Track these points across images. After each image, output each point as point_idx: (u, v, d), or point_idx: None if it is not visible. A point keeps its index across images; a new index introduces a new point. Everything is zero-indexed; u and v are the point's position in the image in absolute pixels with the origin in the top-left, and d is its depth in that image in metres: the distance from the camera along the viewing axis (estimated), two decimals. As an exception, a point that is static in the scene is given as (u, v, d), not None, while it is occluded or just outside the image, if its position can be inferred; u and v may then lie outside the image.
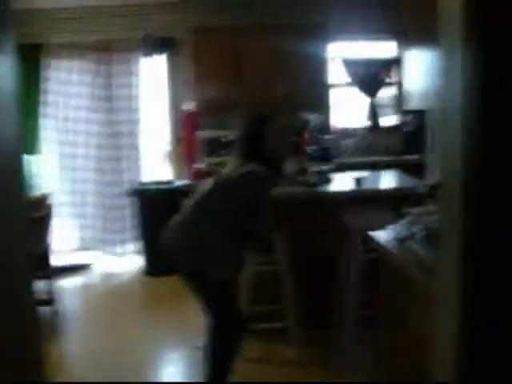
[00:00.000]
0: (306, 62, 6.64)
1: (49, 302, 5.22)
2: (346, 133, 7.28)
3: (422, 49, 2.84)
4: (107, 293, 6.02)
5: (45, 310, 5.16)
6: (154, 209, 6.36)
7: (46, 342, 4.42)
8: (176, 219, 3.47)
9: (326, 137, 7.00)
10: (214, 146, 6.67)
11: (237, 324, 3.42)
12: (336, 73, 7.19)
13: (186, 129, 6.87)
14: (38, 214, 4.81)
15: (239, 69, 6.60)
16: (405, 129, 7.15)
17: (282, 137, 3.51)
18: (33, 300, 2.38)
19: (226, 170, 3.51)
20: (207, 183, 3.54)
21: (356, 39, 7.32)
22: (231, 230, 3.30)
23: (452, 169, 1.71)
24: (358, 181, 4.56)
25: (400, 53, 7.19)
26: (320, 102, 6.93)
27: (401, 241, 2.57)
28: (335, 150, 6.74)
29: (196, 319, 4.95)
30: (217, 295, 3.40)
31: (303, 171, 4.80)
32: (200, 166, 6.59)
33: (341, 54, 7.21)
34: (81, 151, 6.95)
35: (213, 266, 3.27)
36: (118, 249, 7.06)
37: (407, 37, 3.50)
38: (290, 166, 4.81)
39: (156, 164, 7.41)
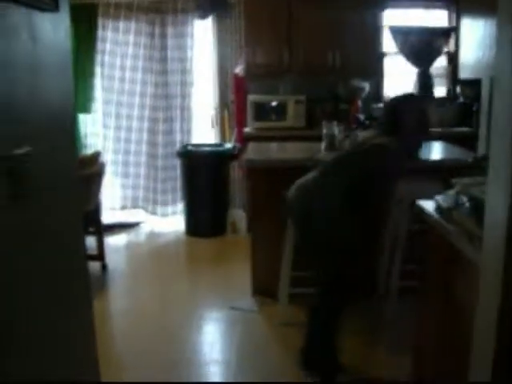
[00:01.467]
0: (360, 30, 6.52)
1: (99, 257, 5.36)
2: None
3: (477, 18, 2.78)
4: (153, 251, 6.16)
5: (94, 264, 5.30)
6: (200, 171, 6.43)
7: (94, 296, 4.55)
8: (306, 179, 3.56)
9: (379, 105, 6.93)
10: (263, 111, 6.65)
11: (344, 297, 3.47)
12: (390, 41, 7.04)
13: (235, 92, 6.87)
14: (90, 172, 4.91)
15: (290, 34, 6.54)
16: (459, 100, 7.02)
17: (424, 120, 3.49)
18: (84, 254, 2.46)
19: (360, 137, 3.58)
20: (344, 147, 3.64)
21: (411, 7, 7.16)
22: (352, 198, 3.30)
23: (503, 139, 1.69)
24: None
25: (454, 22, 7.03)
26: (374, 70, 6.83)
27: (448, 211, 2.55)
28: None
29: (236, 280, 5.07)
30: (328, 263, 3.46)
31: (351, 138, 4.77)
32: (248, 130, 6.60)
33: (394, 21, 7.06)
34: (135, 112, 7.02)
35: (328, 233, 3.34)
36: (167, 209, 7.17)
37: (461, 5, 3.44)
38: (340, 133, 4.80)
39: (205, 127, 7.44)
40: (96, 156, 5.26)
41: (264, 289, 4.65)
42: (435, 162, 4.57)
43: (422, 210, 2.89)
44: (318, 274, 3.53)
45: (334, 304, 3.46)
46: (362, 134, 3.66)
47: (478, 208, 2.27)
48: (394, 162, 3.34)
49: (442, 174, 3.76)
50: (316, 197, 3.39)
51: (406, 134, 3.37)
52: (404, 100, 3.53)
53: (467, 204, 2.48)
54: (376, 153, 3.32)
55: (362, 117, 6.43)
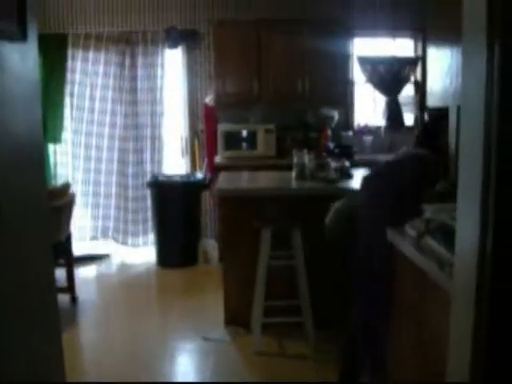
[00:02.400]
0: (329, 58, 6.60)
1: (68, 289, 5.28)
2: (367, 130, 7.25)
3: (444, 46, 2.83)
4: (124, 283, 6.09)
5: (64, 297, 5.22)
6: (171, 201, 6.42)
7: (64, 328, 4.47)
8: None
9: (348, 134, 7.00)
10: (233, 140, 6.66)
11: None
12: (358, 70, 7.14)
13: (205, 122, 6.89)
14: (60, 203, 4.86)
15: (260, 63, 6.60)
16: (427, 127, 7.10)
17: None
18: (54, 286, 2.41)
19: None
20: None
21: (378, 36, 7.29)
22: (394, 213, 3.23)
23: (471, 165, 1.71)
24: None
25: (420, 51, 7.17)
26: (343, 99, 6.90)
27: (418, 238, 2.57)
28: (356, 147, 6.74)
29: (208, 310, 5.03)
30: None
31: (323, 167, 4.80)
32: (219, 159, 6.60)
33: (363, 51, 7.17)
34: (105, 142, 7.00)
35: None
36: (138, 240, 7.11)
37: (428, 34, 3.50)
38: (310, 162, 4.82)
39: (175, 157, 7.43)
40: (66, 187, 5.22)
41: (237, 318, 4.62)
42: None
43: (392, 237, 2.90)
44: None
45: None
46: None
47: (448, 234, 2.28)
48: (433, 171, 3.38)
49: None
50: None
51: (439, 148, 3.52)
52: (440, 118, 3.61)
53: (437, 231, 2.49)
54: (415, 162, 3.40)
55: (331, 145, 6.49)
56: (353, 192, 3.67)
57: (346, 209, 3.61)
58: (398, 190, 3.23)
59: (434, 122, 3.70)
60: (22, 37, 1.85)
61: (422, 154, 3.43)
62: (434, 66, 2.99)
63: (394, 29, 7.14)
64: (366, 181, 3.52)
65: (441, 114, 3.61)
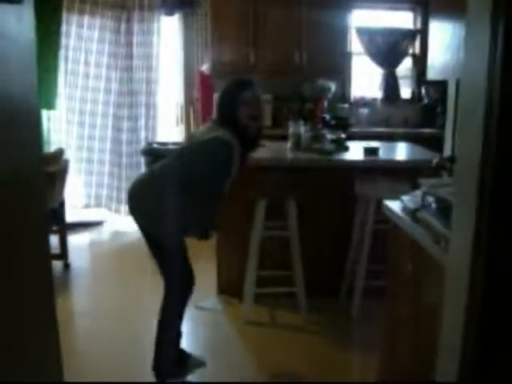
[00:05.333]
0: (327, 30, 6.55)
1: (61, 256, 5.28)
2: (364, 102, 7.22)
3: (446, 20, 2.80)
4: (116, 250, 6.10)
5: (57, 263, 5.22)
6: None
7: (56, 295, 4.47)
8: (142, 176, 3.52)
9: (345, 105, 6.96)
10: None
11: (185, 286, 3.50)
12: (356, 41, 7.09)
13: (201, 90, 6.84)
14: (53, 169, 4.84)
15: (257, 33, 6.54)
16: (424, 102, 7.09)
17: (255, 107, 3.34)
18: (48, 253, 2.40)
19: (198, 132, 3.51)
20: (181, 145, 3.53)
21: (377, 8, 7.22)
22: (187, 193, 3.20)
23: (470, 141, 1.70)
24: (368, 150, 4.54)
25: (419, 24, 7.12)
26: (340, 70, 6.85)
27: (414, 211, 2.56)
28: (352, 120, 6.70)
29: (201, 279, 5.02)
30: (167, 258, 3.43)
31: (319, 138, 4.78)
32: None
33: (361, 22, 7.11)
34: (99, 108, 6.95)
35: (164, 231, 3.26)
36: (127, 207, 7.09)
37: (430, 7, 3.46)
38: (306, 133, 4.80)
39: (170, 124, 7.39)
40: (59, 153, 5.19)
41: (229, 288, 4.64)
42: (401, 163, 4.60)
43: (388, 210, 2.90)
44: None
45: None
46: (197, 130, 3.53)
47: (444, 209, 2.28)
48: (230, 154, 3.17)
49: (408, 175, 3.80)
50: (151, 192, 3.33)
51: (239, 125, 3.25)
52: (231, 90, 3.37)
53: (433, 205, 2.49)
54: (211, 147, 3.20)
55: (327, 116, 6.45)
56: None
57: (142, 177, 3.54)
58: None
59: (230, 93, 3.35)
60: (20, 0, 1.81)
61: (220, 141, 3.17)
62: (435, 39, 2.96)
63: (394, 1, 7.08)
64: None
65: (237, 83, 3.41)
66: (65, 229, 5.33)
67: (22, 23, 1.89)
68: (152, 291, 4.92)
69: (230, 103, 3.30)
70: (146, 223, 3.36)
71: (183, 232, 3.37)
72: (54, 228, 5.22)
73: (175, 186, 3.21)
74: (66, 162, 5.29)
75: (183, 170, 3.25)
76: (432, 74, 2.97)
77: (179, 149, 3.48)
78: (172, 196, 3.22)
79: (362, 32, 7.00)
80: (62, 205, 5.27)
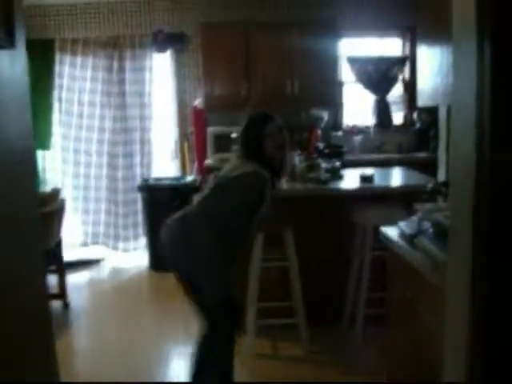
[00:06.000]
0: (317, 59, 6.61)
1: (60, 295, 5.25)
2: (357, 130, 7.26)
3: (433, 45, 2.84)
4: (116, 287, 6.05)
5: (56, 303, 5.19)
6: (162, 204, 6.37)
7: (57, 335, 4.44)
8: (173, 218, 3.40)
9: (338, 134, 7.01)
10: (223, 142, 6.65)
11: (230, 336, 3.36)
12: (347, 70, 7.15)
13: (195, 125, 6.88)
14: (50, 209, 4.84)
15: (248, 66, 6.60)
16: (416, 126, 7.14)
17: (279, 138, 3.43)
18: (45, 293, 2.40)
19: (225, 169, 3.46)
20: (209, 183, 3.52)
21: (366, 36, 7.30)
22: (223, 234, 3.18)
23: (464, 166, 1.71)
24: (364, 178, 4.55)
25: (407, 51, 7.19)
26: (332, 99, 6.90)
27: (411, 237, 2.57)
28: (346, 147, 6.73)
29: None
30: (209, 307, 3.29)
31: (314, 168, 4.80)
32: (209, 161, 6.59)
33: (351, 51, 7.18)
34: (94, 147, 6.98)
35: (203, 279, 3.21)
36: (129, 244, 7.09)
37: (418, 33, 3.50)
38: (301, 163, 4.82)
39: (165, 160, 7.41)
40: (55, 193, 5.19)
41: (230, 321, 4.60)
42: (396, 189, 4.61)
43: (385, 237, 2.90)
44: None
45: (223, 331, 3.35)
46: (225, 167, 3.52)
47: (441, 233, 2.28)
48: (262, 186, 3.22)
49: (403, 200, 3.80)
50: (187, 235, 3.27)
51: (267, 158, 3.32)
52: (255, 124, 3.43)
53: (430, 230, 2.49)
54: (246, 183, 3.23)
55: (321, 145, 6.49)
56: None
57: (174, 221, 3.41)
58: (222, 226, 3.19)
59: (253, 127, 3.42)
60: (11, 44, 1.83)
61: (251, 175, 3.22)
62: (424, 65, 3.00)
63: (382, 28, 7.16)
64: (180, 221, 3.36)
65: (259, 117, 3.48)
66: (63, 268, 5.31)
67: (15, 67, 1.91)
68: (152, 328, 4.91)
69: (255, 137, 3.36)
70: (187, 272, 3.32)
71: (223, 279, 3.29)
72: (52, 268, 5.19)
73: (213, 229, 3.18)
74: (63, 202, 5.29)
75: (221, 209, 3.22)
76: (422, 100, 3.00)
77: (211, 189, 3.39)
78: (210, 241, 3.18)
79: (353, 61, 7.07)
80: (59, 244, 5.25)
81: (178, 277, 3.40)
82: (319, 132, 6.76)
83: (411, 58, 7.06)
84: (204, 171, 6.46)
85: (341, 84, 7.23)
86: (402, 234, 2.72)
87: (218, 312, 3.25)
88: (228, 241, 3.22)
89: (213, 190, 3.35)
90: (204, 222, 3.21)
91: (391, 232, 2.87)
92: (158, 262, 6.45)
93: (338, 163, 4.97)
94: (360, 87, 7.18)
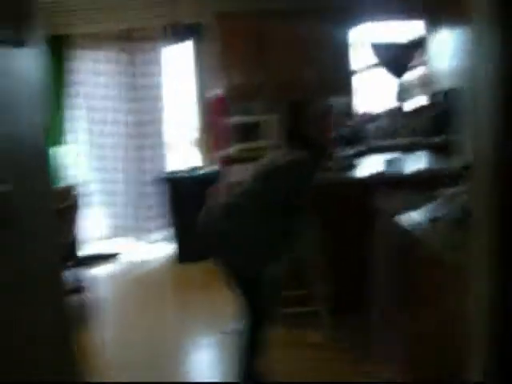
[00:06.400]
0: (331, 47, 6.57)
1: (78, 290, 5.27)
2: (370, 117, 7.21)
3: (450, 28, 2.80)
4: (137, 281, 6.07)
5: (74, 298, 5.21)
6: (184, 196, 6.40)
7: (76, 330, 4.45)
8: (215, 206, 3.39)
9: (351, 121, 6.96)
10: (242, 132, 6.63)
11: (263, 318, 3.38)
12: (360, 56, 7.10)
13: (214, 115, 6.86)
14: (64, 205, 4.85)
15: (264, 54, 6.56)
16: (434, 110, 7.06)
17: (325, 120, 3.43)
18: (62, 289, 2.40)
19: (268, 157, 3.46)
20: (247, 170, 3.51)
21: (381, 20, 7.23)
22: (270, 221, 3.23)
23: (483, 149, 1.69)
24: (389, 163, 4.52)
25: (427, 33, 7.11)
26: (345, 87, 6.85)
27: (433, 222, 2.54)
28: (360, 134, 6.69)
29: (225, 305, 4.99)
30: (248, 288, 3.33)
31: (331, 156, 4.76)
32: (229, 152, 6.58)
33: (366, 36, 7.13)
34: (108, 141, 7.00)
35: (246, 261, 3.24)
36: (148, 236, 7.10)
37: (434, 16, 3.46)
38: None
39: (184, 151, 7.42)
40: (68, 189, 5.20)
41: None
42: (418, 173, 4.56)
43: (408, 221, 2.88)
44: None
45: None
46: (269, 157, 3.52)
47: (463, 218, 2.26)
48: (310, 173, 3.28)
49: (425, 185, 3.76)
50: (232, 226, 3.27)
51: (311, 143, 3.31)
52: (298, 109, 3.43)
53: (451, 215, 2.47)
54: (293, 171, 3.24)
55: (337, 133, 6.44)
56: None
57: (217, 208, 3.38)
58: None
59: (297, 113, 3.41)
60: (24, 42, 1.83)
61: (297, 162, 3.23)
62: (441, 48, 2.97)
63: (403, 11, 7.06)
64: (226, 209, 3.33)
65: (299, 103, 3.47)
66: (78, 263, 5.32)
67: (29, 65, 1.90)
68: (175, 320, 4.92)
69: (299, 124, 3.35)
70: (234, 259, 3.31)
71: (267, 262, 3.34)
72: (69, 263, 5.21)
73: (259, 217, 3.21)
74: (75, 198, 5.30)
75: (267, 197, 3.24)
76: (440, 82, 2.96)
77: (255, 177, 3.38)
78: (257, 228, 3.21)
79: (375, 45, 7.04)
80: (73, 240, 5.27)
81: (219, 263, 3.36)
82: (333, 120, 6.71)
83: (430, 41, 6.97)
84: (227, 162, 6.45)
85: (353, 72, 7.18)
86: (425, 219, 2.69)
87: (253, 287, 3.30)
88: (273, 228, 3.25)
89: (257, 178, 3.35)
90: (249, 210, 3.23)
91: (413, 217, 2.85)
92: (183, 253, 6.47)
93: (351, 151, 4.94)
94: (373, 75, 7.13)
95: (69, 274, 5.09)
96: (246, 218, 3.22)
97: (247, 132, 6.63)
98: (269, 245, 3.26)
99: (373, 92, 7.41)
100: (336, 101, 6.67)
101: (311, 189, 3.33)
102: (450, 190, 2.61)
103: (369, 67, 7.24)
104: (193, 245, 6.39)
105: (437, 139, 6.67)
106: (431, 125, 6.97)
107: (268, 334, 3.42)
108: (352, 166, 4.67)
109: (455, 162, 4.53)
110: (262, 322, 3.37)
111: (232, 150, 6.59)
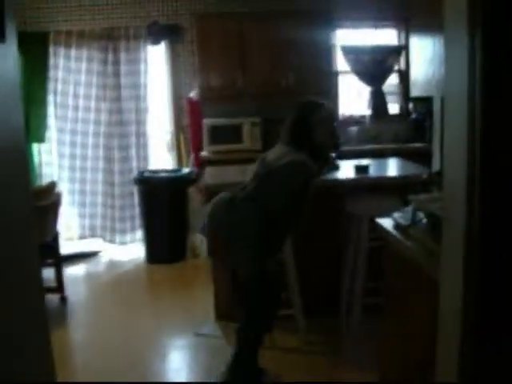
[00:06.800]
0: (312, 50, 6.60)
1: (58, 289, 5.25)
2: (352, 120, 7.26)
3: (426, 36, 2.84)
4: (113, 280, 6.06)
5: (54, 297, 5.20)
6: (158, 197, 6.39)
7: (54, 328, 4.45)
8: (222, 199, 3.51)
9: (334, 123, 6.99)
10: (219, 134, 6.65)
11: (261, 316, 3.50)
12: (342, 60, 7.13)
13: (190, 116, 6.88)
14: (46, 203, 4.83)
15: (244, 56, 6.59)
16: (412, 117, 7.13)
17: (330, 125, 3.46)
18: (41, 288, 2.40)
19: (271, 156, 3.51)
20: (251, 168, 3.61)
21: (360, 27, 7.28)
22: (270, 219, 3.29)
23: (456, 156, 1.71)
24: (359, 168, 4.56)
25: (403, 41, 7.17)
26: (327, 90, 6.88)
27: (406, 227, 2.57)
28: (342, 138, 6.72)
29: (199, 305, 5.02)
30: (250, 285, 3.45)
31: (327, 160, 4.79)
32: (205, 153, 6.60)
33: (346, 41, 7.16)
34: (90, 140, 6.95)
35: (245, 259, 3.34)
36: (126, 237, 7.09)
37: (410, 24, 3.51)
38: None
39: (161, 152, 7.42)
40: (51, 186, 5.18)
41: (227, 313, 4.60)
42: (391, 179, 4.62)
43: (380, 228, 2.91)
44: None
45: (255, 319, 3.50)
46: (268, 155, 3.59)
47: (435, 224, 2.29)
48: (311, 175, 3.32)
49: (398, 191, 3.81)
50: (233, 221, 3.39)
51: (314, 146, 3.37)
52: (307, 111, 3.49)
53: (424, 220, 2.50)
54: (294, 171, 3.30)
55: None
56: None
57: (222, 201, 3.52)
58: (271, 214, 3.30)
59: (303, 115, 3.48)
60: (0, 38, 1.83)
61: (302, 163, 3.30)
62: (416, 55, 3.00)
63: (377, 19, 7.15)
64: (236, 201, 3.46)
65: (309, 105, 3.54)
66: (60, 261, 5.31)
67: (5, 62, 1.90)
68: (150, 320, 4.92)
69: (304, 125, 3.40)
70: (238, 255, 3.43)
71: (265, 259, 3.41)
72: (49, 261, 5.20)
73: (259, 215, 3.29)
74: (59, 195, 5.28)
75: (267, 197, 3.32)
76: (415, 91, 3.00)
77: (257, 176, 3.49)
78: (256, 224, 3.29)
79: (347, 51, 7.04)
80: (56, 238, 5.25)
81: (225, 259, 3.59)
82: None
83: (406, 49, 7.04)
84: (200, 163, 6.46)
85: (336, 74, 7.23)
86: (397, 225, 2.73)
87: (251, 287, 3.41)
88: (273, 227, 3.32)
89: (259, 177, 3.44)
90: (250, 207, 3.32)
91: (386, 222, 2.88)
92: (154, 254, 6.48)
93: (333, 154, 4.96)
94: (355, 77, 7.16)
95: (48, 273, 5.08)
96: (250, 214, 3.32)
97: (222, 134, 6.65)
98: (271, 242, 3.35)
99: (356, 95, 7.45)
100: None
101: (311, 190, 3.37)
102: (423, 196, 2.64)
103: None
104: (161, 246, 6.46)
105: (415, 146, 6.75)
106: (410, 131, 7.05)
107: (265, 332, 3.50)
108: (333, 169, 4.70)
109: (431, 169, 4.59)
110: (259, 320, 3.43)
111: (206, 151, 6.61)
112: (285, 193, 3.29)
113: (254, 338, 3.51)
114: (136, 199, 6.81)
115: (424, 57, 2.79)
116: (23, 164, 2.18)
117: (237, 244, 3.36)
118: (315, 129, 3.37)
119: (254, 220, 3.29)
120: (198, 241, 6.61)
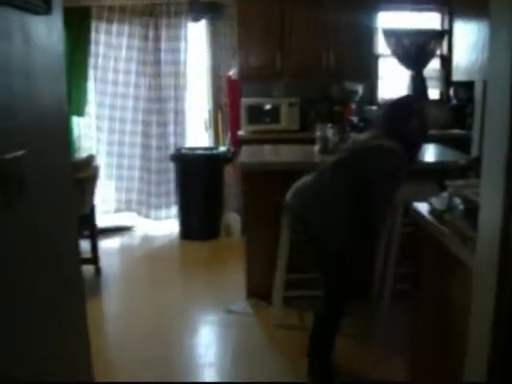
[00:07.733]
0: (354, 32, 6.53)
1: (93, 260, 5.35)
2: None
3: (470, 20, 2.79)
4: (147, 255, 6.15)
5: (88, 268, 5.29)
6: (194, 174, 6.43)
7: (88, 300, 4.53)
8: (308, 181, 3.55)
9: (372, 108, 6.94)
10: (256, 114, 6.65)
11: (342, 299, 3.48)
12: (383, 43, 7.04)
13: (229, 95, 6.88)
14: (84, 175, 4.90)
15: (284, 36, 6.55)
16: (452, 103, 7.04)
17: (424, 119, 3.46)
18: (79, 258, 2.45)
19: (359, 140, 3.55)
20: (343, 148, 3.63)
21: (403, 10, 7.17)
22: (354, 201, 3.30)
23: (496, 141, 1.69)
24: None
25: (446, 25, 7.05)
26: (367, 73, 6.82)
27: (441, 212, 2.55)
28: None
29: (230, 283, 5.06)
30: (328, 266, 3.48)
31: (347, 141, 4.77)
32: (242, 133, 6.60)
33: (388, 24, 7.07)
34: (129, 115, 7.02)
35: (329, 238, 3.35)
36: (161, 212, 7.16)
37: (454, 7, 3.45)
38: (334, 136, 4.80)
39: (198, 130, 7.44)
40: (90, 160, 5.25)
41: (258, 291, 4.64)
42: (429, 165, 4.58)
43: (415, 213, 2.89)
44: (321, 277, 3.52)
45: (335, 305, 3.46)
46: (358, 137, 3.63)
47: (471, 210, 2.27)
48: (400, 163, 3.30)
49: (435, 177, 3.77)
50: (317, 202, 3.40)
51: (407, 137, 3.35)
52: (405, 102, 3.51)
53: (460, 206, 2.48)
54: (381, 153, 3.28)
55: (355, 119, 6.44)
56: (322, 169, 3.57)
57: (310, 184, 3.54)
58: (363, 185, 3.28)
59: (403, 104, 3.49)
60: (47, 10, 1.85)
61: (393, 149, 3.27)
62: (460, 40, 2.95)
63: (420, 2, 7.03)
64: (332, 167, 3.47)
65: (404, 100, 3.55)
66: (96, 234, 5.40)
67: (51, 34, 1.93)
68: (181, 295, 4.98)
69: (402, 114, 3.39)
70: (319, 232, 3.44)
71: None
72: (86, 233, 5.28)
73: (348, 195, 3.31)
74: (97, 168, 5.36)
75: (355, 178, 3.32)
76: (457, 75, 2.96)
77: (342, 156, 3.52)
78: (345, 205, 3.31)
79: (388, 34, 6.95)
80: (92, 210, 5.33)
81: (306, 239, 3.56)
82: (353, 105, 6.71)
83: (449, 33, 6.92)
84: (237, 142, 6.48)
85: (377, 57, 7.15)
86: (432, 210, 2.71)
87: (332, 269, 3.46)
88: (363, 212, 3.33)
89: (348, 159, 3.46)
90: (340, 192, 3.33)
91: (421, 208, 2.86)
92: (188, 230, 6.53)
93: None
94: (395, 61, 7.07)
95: (84, 244, 5.17)
96: (333, 195, 3.35)
97: (260, 114, 6.64)
98: (350, 224, 3.35)
99: (397, 79, 7.36)
100: (358, 86, 6.67)
101: (400, 179, 3.38)
102: (460, 182, 2.62)
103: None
104: (195, 223, 6.51)
105: (455, 132, 6.67)
106: (450, 117, 6.95)
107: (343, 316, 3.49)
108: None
109: (471, 155, 4.54)
110: (339, 303, 3.44)
111: (244, 131, 6.61)
112: (375, 171, 3.26)
113: (333, 322, 3.51)
114: (172, 175, 6.85)
115: (467, 41, 2.75)
116: (64, 134, 2.22)
117: (328, 226, 3.36)
118: (411, 120, 3.35)
119: (345, 202, 3.31)
120: (233, 219, 6.66)
